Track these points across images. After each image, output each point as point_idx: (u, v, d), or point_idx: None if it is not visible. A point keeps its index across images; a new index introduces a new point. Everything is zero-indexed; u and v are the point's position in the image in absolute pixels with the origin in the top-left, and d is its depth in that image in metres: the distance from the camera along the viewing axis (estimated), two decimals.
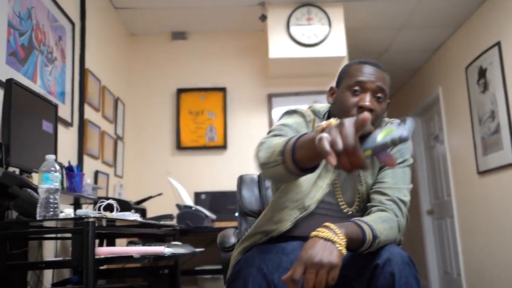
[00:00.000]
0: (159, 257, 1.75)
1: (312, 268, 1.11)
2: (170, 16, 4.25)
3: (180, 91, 4.47)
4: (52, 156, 1.65)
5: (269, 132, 1.47)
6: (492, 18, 3.94)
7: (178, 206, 3.25)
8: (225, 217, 3.81)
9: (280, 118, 1.55)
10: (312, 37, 4.02)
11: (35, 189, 1.68)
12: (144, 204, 3.39)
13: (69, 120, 2.98)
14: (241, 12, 4.19)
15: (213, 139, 4.41)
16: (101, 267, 2.72)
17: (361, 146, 0.98)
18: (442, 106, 5.04)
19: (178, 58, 4.56)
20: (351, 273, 1.31)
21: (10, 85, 1.92)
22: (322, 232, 1.19)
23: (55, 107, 2.34)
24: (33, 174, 2.03)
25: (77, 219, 1.59)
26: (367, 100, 1.42)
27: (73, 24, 3.10)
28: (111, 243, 2.70)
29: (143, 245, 1.92)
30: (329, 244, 1.16)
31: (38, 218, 1.58)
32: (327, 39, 4.01)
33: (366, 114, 0.99)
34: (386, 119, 1.55)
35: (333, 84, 1.60)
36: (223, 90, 4.46)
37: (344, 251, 1.17)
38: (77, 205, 2.65)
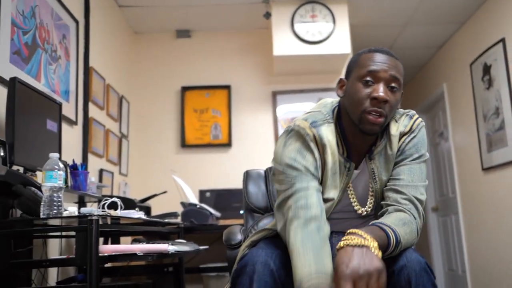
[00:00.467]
0: (163, 255, 1.75)
1: (361, 280, 1.04)
2: (174, 14, 4.25)
3: (185, 89, 4.47)
4: (56, 155, 1.65)
5: (278, 187, 1.39)
6: (496, 14, 3.92)
7: (182, 204, 3.26)
8: (230, 215, 3.82)
9: (280, 141, 1.43)
10: (316, 34, 4.01)
11: (39, 188, 1.69)
12: (149, 202, 3.40)
13: (73, 118, 2.99)
14: (245, 10, 4.18)
15: (218, 137, 4.41)
16: (106, 265, 2.75)
17: None
18: (447, 103, 5.02)
19: (182, 56, 4.56)
20: None
21: (14, 83, 1.92)
22: (351, 239, 1.13)
23: (59, 105, 2.35)
24: (38, 173, 2.04)
25: (81, 217, 1.59)
26: (380, 90, 1.33)
27: (77, 22, 3.11)
28: (116, 241, 2.72)
29: (148, 243, 1.92)
30: (365, 250, 1.10)
31: (42, 216, 1.59)
32: (331, 36, 4.00)
33: None
34: (401, 111, 1.49)
35: (341, 79, 1.50)
36: (227, 87, 4.46)
37: (380, 254, 1.11)
38: (81, 203, 2.66)
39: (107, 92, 3.69)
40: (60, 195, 1.63)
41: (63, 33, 2.88)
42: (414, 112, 1.50)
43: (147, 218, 2.16)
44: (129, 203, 2.66)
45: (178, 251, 1.86)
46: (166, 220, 2.62)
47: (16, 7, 2.30)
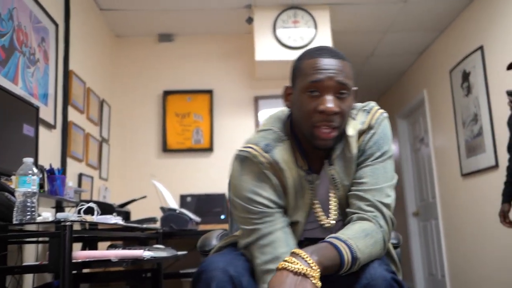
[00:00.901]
0: (138, 260, 1.74)
1: None
2: (156, 18, 4.23)
3: (167, 93, 4.45)
4: (29, 159, 1.63)
5: (240, 218, 1.28)
6: (475, 22, 3.98)
7: (162, 209, 3.24)
8: (211, 220, 3.81)
9: (235, 170, 1.30)
10: (298, 40, 4.03)
11: (12, 193, 1.67)
12: (129, 207, 3.37)
13: (52, 122, 2.96)
14: (228, 15, 4.19)
15: (200, 141, 4.40)
16: (84, 271, 2.72)
17: None
18: (427, 109, 5.08)
19: (164, 60, 4.55)
20: None
21: None
22: (291, 262, 1.04)
23: (37, 109, 2.32)
24: (13, 178, 2.01)
25: (54, 223, 1.58)
26: (328, 103, 1.19)
27: (56, 25, 3.08)
28: (93, 247, 2.69)
29: (124, 248, 1.91)
30: (300, 279, 1.02)
31: (14, 222, 1.57)
32: (313, 42, 4.03)
33: None
34: (358, 105, 1.36)
35: (286, 87, 1.36)
36: (209, 92, 4.45)
37: (319, 284, 1.03)
38: (59, 208, 2.63)
39: (88, 96, 3.66)
40: (34, 200, 1.61)
41: (42, 36, 2.86)
42: (373, 104, 1.37)
43: (125, 224, 2.14)
44: (107, 208, 2.64)
45: (154, 257, 1.85)
46: (145, 226, 2.60)
47: None
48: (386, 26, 4.46)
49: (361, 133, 1.30)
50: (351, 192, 1.28)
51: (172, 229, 3.08)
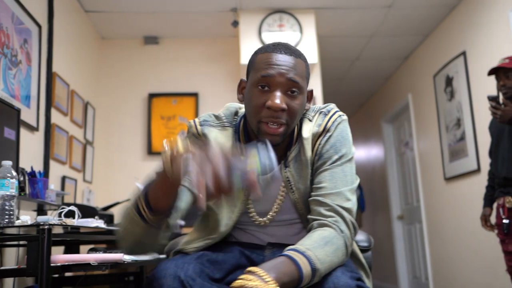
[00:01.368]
0: (118, 264, 1.73)
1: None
2: (142, 20, 4.22)
3: (152, 95, 4.44)
4: (8, 162, 1.62)
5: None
6: (458, 28, 4.03)
7: None
8: (195, 223, 3.79)
9: None
10: None
11: None
12: (113, 210, 3.35)
13: (34, 124, 2.93)
14: (214, 18, 4.19)
15: None
16: (67, 274, 2.69)
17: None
18: (411, 113, 5.12)
19: (150, 63, 4.54)
20: None
21: None
22: (248, 280, 0.98)
23: (18, 111, 2.30)
24: None
25: (33, 226, 1.56)
26: (276, 98, 1.16)
27: (39, 27, 3.06)
28: (75, 250, 2.67)
29: (105, 252, 1.90)
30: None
31: None
32: (298, 46, 4.04)
33: (253, 180, 0.89)
34: (317, 107, 1.33)
35: (241, 80, 1.33)
36: (195, 95, 4.45)
37: None
38: (41, 211, 2.61)
39: (71, 98, 3.64)
40: (12, 203, 1.59)
41: (24, 37, 2.84)
42: (332, 106, 1.33)
43: (106, 227, 2.13)
44: (89, 211, 2.62)
45: (135, 261, 1.84)
46: None
47: None
48: (371, 31, 4.49)
49: (317, 136, 1.27)
50: (311, 198, 1.25)
51: None
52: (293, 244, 1.14)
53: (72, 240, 2.37)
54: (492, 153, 2.94)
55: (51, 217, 1.74)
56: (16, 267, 1.83)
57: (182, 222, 3.46)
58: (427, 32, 4.56)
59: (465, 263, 4.02)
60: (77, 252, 2.68)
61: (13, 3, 2.69)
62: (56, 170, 3.31)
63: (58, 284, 2.64)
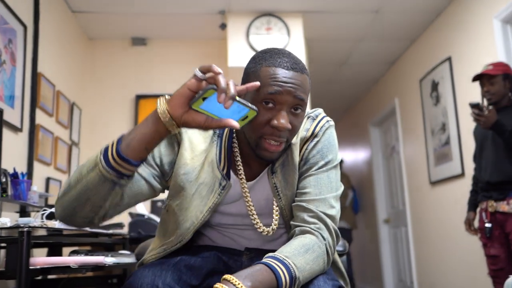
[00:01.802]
0: (99, 267, 1.72)
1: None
2: (130, 21, 4.21)
3: (139, 97, 4.42)
4: None
5: None
6: (443, 34, 4.07)
7: (130, 214, 3.21)
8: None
9: None
10: (271, 47, 4.04)
11: None
12: None
13: (18, 125, 2.90)
14: (202, 20, 4.19)
15: None
16: (50, 277, 2.67)
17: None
18: (398, 117, 5.16)
19: (137, 64, 4.52)
20: None
21: None
22: None
23: (0, 111, 2.28)
24: None
25: (12, 229, 1.55)
26: (282, 119, 1.12)
27: (25, 26, 3.04)
28: (58, 252, 2.65)
29: (86, 254, 1.88)
30: None
31: None
32: (286, 49, 4.05)
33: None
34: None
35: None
36: None
37: None
38: (23, 213, 2.58)
39: (57, 99, 3.61)
40: None
41: (9, 37, 2.81)
42: (320, 111, 1.30)
43: (89, 229, 2.12)
44: None
45: (117, 263, 1.83)
46: (111, 231, 2.57)
47: None
48: (358, 35, 4.52)
49: (305, 141, 1.25)
50: (294, 203, 1.22)
51: (140, 235, 3.05)
52: (272, 250, 1.12)
53: (55, 242, 2.35)
54: (476, 158, 2.97)
55: (33, 219, 1.72)
56: None
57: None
58: (413, 37, 4.59)
59: (449, 266, 4.05)
60: (60, 254, 2.66)
61: None
62: (41, 171, 3.28)
63: (41, 287, 2.61)
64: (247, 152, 1.23)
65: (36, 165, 3.19)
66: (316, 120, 1.26)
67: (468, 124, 3.53)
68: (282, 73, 1.13)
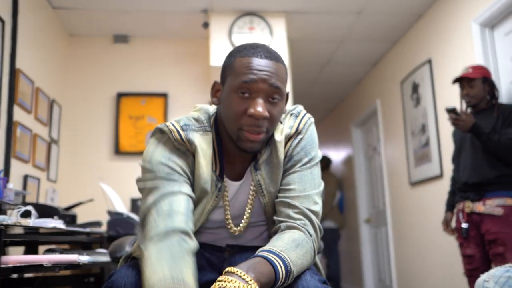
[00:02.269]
0: (73, 265, 1.70)
1: None
2: (112, 18, 4.17)
3: (120, 95, 4.39)
4: None
5: (141, 188, 1.20)
6: (424, 36, 4.11)
7: (109, 212, 3.19)
8: None
9: (152, 141, 1.24)
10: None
11: None
12: (78, 211, 3.29)
13: None
14: (184, 19, 4.17)
15: None
16: (26, 275, 2.64)
17: None
18: (380, 119, 5.20)
19: (119, 62, 4.49)
20: None
21: None
22: (228, 281, 0.96)
23: None
24: None
25: None
26: (258, 107, 1.13)
27: (3, 22, 2.99)
28: (35, 251, 2.62)
29: (61, 253, 1.86)
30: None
31: None
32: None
33: None
34: (287, 109, 1.31)
35: (215, 82, 1.29)
36: (164, 95, 4.42)
37: None
38: None
39: (36, 95, 3.56)
40: None
41: None
42: (300, 108, 1.32)
43: (65, 228, 2.09)
44: (50, 211, 2.57)
45: (92, 262, 1.82)
46: (88, 230, 2.55)
47: None
48: (341, 36, 4.55)
49: (288, 138, 1.26)
50: (278, 199, 1.24)
51: (119, 234, 3.03)
52: (253, 247, 1.15)
53: (31, 240, 2.32)
54: (455, 159, 3.02)
55: (7, 217, 1.70)
56: None
57: None
58: (395, 39, 4.63)
59: (426, 266, 4.10)
60: (36, 253, 2.63)
61: None
62: (18, 169, 3.24)
63: (17, 285, 2.58)
64: (231, 150, 1.24)
65: (14, 162, 3.15)
66: (299, 117, 1.28)
67: (447, 126, 3.58)
68: (256, 62, 1.14)
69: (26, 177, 3.34)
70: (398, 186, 4.72)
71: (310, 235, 1.18)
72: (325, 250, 5.93)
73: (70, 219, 3.00)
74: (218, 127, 1.26)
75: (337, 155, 6.92)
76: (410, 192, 4.44)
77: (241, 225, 1.27)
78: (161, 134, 1.22)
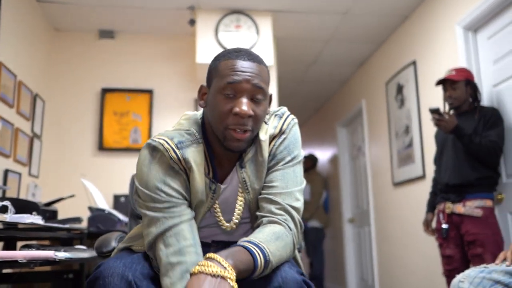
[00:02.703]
0: (49, 262, 1.69)
1: None
2: (97, 13, 4.14)
3: (105, 90, 4.36)
4: None
5: (146, 207, 1.24)
6: (409, 38, 4.14)
7: (90, 208, 3.16)
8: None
9: (145, 158, 1.27)
10: (240, 45, 4.05)
11: None
12: (59, 206, 3.26)
13: None
14: (171, 15, 4.16)
15: (137, 141, 4.34)
16: (4, 271, 2.61)
17: None
18: (365, 119, 5.22)
19: (104, 57, 4.46)
20: None
21: None
22: (207, 266, 1.03)
23: None
24: None
25: None
26: (243, 105, 1.19)
27: None
28: (12, 246, 2.59)
29: (38, 249, 1.85)
30: (219, 280, 1.01)
31: None
32: (254, 47, 4.06)
33: None
34: (271, 110, 1.39)
35: (201, 86, 1.35)
36: (149, 92, 4.40)
37: (236, 286, 1.03)
38: None
39: (19, 89, 3.53)
40: None
41: None
42: (284, 109, 1.39)
43: (43, 223, 2.08)
44: (30, 207, 2.54)
45: (70, 258, 1.80)
46: (68, 226, 2.53)
47: None
48: (327, 36, 4.56)
49: (272, 137, 1.33)
50: (261, 196, 1.30)
51: (100, 230, 3.01)
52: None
53: (9, 236, 2.30)
54: (437, 160, 3.05)
55: None
56: None
57: (127, 220, 3.41)
58: (380, 40, 4.66)
59: (408, 266, 4.13)
60: (14, 248, 2.60)
61: None
62: None
63: None
64: (219, 152, 1.31)
65: None
66: (283, 118, 1.35)
67: (430, 128, 3.61)
68: (240, 64, 1.22)
69: (6, 172, 3.31)
70: (382, 186, 4.75)
71: (291, 229, 1.24)
72: (309, 249, 5.96)
73: (50, 215, 2.97)
74: (205, 131, 1.32)
75: (323, 155, 6.94)
76: (393, 192, 4.47)
77: (233, 221, 1.33)
78: (154, 152, 1.26)
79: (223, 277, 1.01)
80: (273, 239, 1.17)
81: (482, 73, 3.17)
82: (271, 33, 4.12)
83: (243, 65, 1.22)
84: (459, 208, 2.75)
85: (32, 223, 1.91)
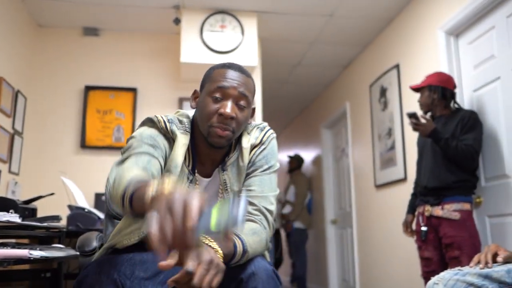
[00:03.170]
0: (23, 260, 1.67)
1: (206, 265, 1.01)
2: (82, 10, 4.11)
3: (89, 88, 4.33)
4: None
5: (125, 150, 1.38)
6: (393, 41, 4.18)
7: (69, 207, 3.14)
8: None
9: (141, 126, 1.46)
10: (224, 44, 4.05)
11: None
12: (40, 204, 3.23)
13: None
14: (156, 14, 4.14)
15: (120, 139, 4.31)
16: None
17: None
18: (348, 121, 5.25)
19: (88, 55, 4.42)
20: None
21: None
22: (208, 243, 1.14)
23: None
24: None
25: None
26: (228, 107, 1.37)
27: None
28: None
29: (13, 247, 1.83)
30: (213, 250, 1.10)
31: None
32: (239, 48, 4.06)
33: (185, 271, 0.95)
34: (254, 123, 1.56)
35: (195, 90, 1.52)
36: (133, 90, 4.38)
37: (221, 255, 1.13)
38: None
39: (0, 86, 3.49)
40: None
41: None
42: (265, 124, 1.57)
43: (19, 221, 2.05)
44: (7, 204, 2.51)
45: (46, 257, 1.79)
46: (46, 224, 2.50)
47: None
48: (312, 38, 4.58)
49: (253, 146, 1.49)
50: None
51: (79, 228, 2.99)
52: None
53: None
54: (417, 164, 3.08)
55: None
56: None
57: None
58: (365, 43, 4.69)
59: (388, 267, 4.17)
60: None
61: None
62: None
63: None
64: (203, 151, 1.46)
65: None
66: (263, 131, 1.53)
67: (412, 131, 3.63)
68: (231, 73, 1.42)
69: None
70: (364, 188, 4.79)
71: (265, 228, 1.40)
72: (292, 250, 5.98)
73: (29, 213, 2.94)
74: (193, 130, 1.48)
75: (307, 156, 6.96)
76: (375, 194, 4.50)
77: None
78: (151, 123, 1.44)
79: (215, 250, 1.12)
80: (251, 234, 1.30)
81: (463, 77, 3.22)
82: (256, 33, 4.13)
83: (233, 75, 1.41)
84: (437, 211, 2.78)
85: (8, 221, 1.89)
